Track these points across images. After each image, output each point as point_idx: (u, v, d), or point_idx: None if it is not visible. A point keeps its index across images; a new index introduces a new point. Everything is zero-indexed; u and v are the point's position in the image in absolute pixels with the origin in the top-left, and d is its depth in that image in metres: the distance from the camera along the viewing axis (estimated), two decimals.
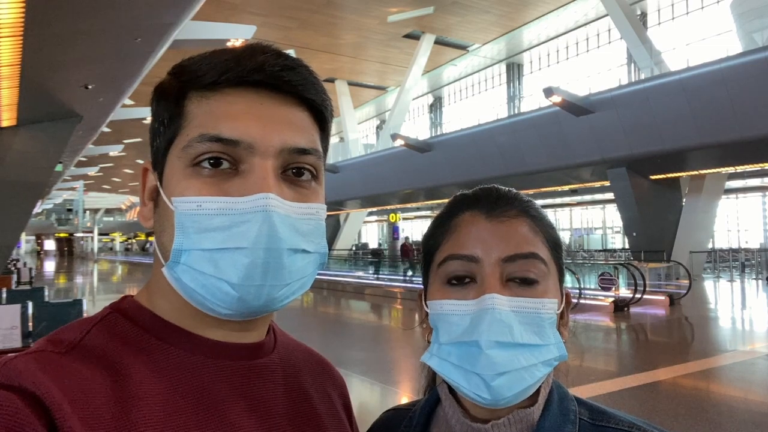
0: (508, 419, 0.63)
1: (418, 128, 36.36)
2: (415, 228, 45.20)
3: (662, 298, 12.22)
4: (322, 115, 0.62)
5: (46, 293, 7.95)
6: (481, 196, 0.69)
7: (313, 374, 0.71)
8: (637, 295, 11.68)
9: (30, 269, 19.15)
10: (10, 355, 0.50)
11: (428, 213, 38.09)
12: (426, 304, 0.68)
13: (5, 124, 11.01)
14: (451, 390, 0.68)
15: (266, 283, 0.54)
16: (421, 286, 0.74)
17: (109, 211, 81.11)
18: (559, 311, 0.66)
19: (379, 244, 27.10)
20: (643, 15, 24.32)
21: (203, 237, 0.54)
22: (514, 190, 0.71)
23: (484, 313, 0.61)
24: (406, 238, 24.39)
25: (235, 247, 0.53)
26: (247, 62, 0.56)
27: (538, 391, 0.65)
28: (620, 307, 11.37)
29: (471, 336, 0.61)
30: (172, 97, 0.58)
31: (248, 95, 0.57)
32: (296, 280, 0.57)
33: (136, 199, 66.12)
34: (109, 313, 0.59)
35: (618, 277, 12.35)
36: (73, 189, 55.27)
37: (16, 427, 0.43)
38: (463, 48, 27.67)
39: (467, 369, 0.62)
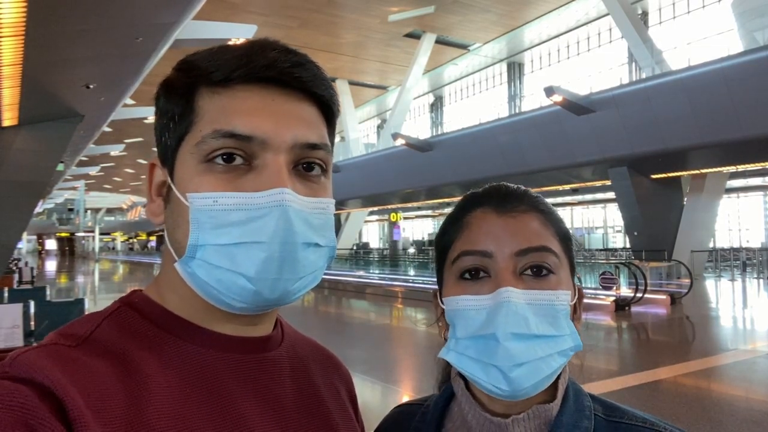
0: (527, 414, 0.64)
1: (418, 127, 36.35)
2: (415, 227, 45.22)
3: (663, 297, 12.22)
4: (330, 111, 0.63)
5: (48, 292, 7.96)
6: (491, 193, 0.70)
7: (321, 367, 0.72)
8: (638, 295, 11.67)
9: (31, 269, 19.15)
10: (22, 348, 0.51)
11: (429, 212, 38.10)
12: (442, 301, 0.69)
13: (7, 123, 11.02)
14: (467, 385, 0.69)
15: (282, 277, 0.55)
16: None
17: (110, 211, 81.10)
18: (573, 303, 0.67)
19: None
20: (644, 14, 24.30)
21: (220, 232, 0.55)
22: (523, 187, 0.72)
23: (500, 307, 0.62)
24: None
25: (252, 242, 0.54)
26: (258, 59, 0.57)
27: (556, 387, 0.67)
28: (621, 306, 11.37)
29: (488, 329, 0.62)
30: (181, 92, 0.59)
31: (259, 91, 0.57)
32: (309, 273, 0.58)
33: (137, 198, 66.10)
34: (119, 307, 0.59)
35: (619, 277, 12.34)
36: (74, 188, 55.28)
37: (29, 420, 0.43)
38: (463, 47, 27.65)
39: (485, 362, 0.63)
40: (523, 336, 0.61)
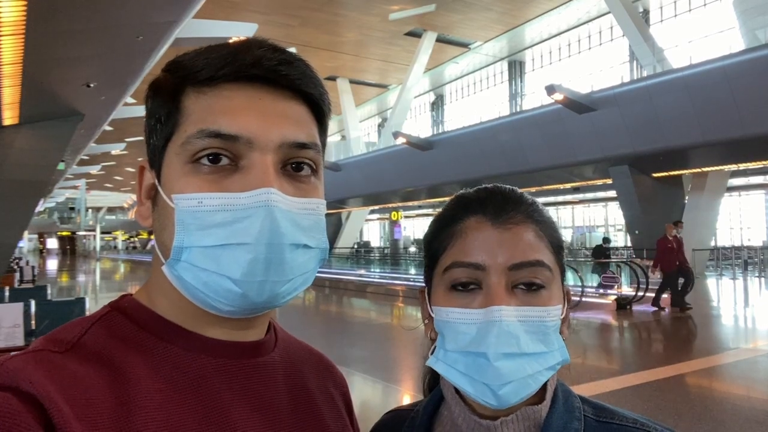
0: (516, 416, 0.64)
1: (419, 126, 36.33)
2: (416, 226, 45.25)
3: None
4: (320, 109, 0.62)
5: (49, 291, 7.95)
6: (486, 200, 0.68)
7: (315, 373, 0.70)
8: (640, 293, 11.66)
9: (33, 268, 19.15)
10: (7, 355, 0.50)
11: (430, 211, 38.11)
12: (431, 308, 0.68)
13: (7, 122, 11.02)
14: (457, 388, 0.68)
15: (269, 279, 0.54)
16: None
17: (111, 210, 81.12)
18: (563, 316, 0.67)
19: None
20: (646, 12, 24.26)
21: (205, 233, 0.54)
22: (518, 191, 0.70)
23: (492, 326, 0.61)
24: (677, 223, 11.60)
25: (237, 243, 0.53)
26: (244, 57, 0.56)
27: (544, 389, 0.66)
28: (623, 305, 11.35)
29: (478, 347, 0.61)
30: (168, 93, 0.58)
31: (246, 90, 0.56)
32: (298, 275, 0.57)
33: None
34: (108, 312, 0.58)
35: (620, 275, 12.33)
36: (75, 187, 55.32)
37: (12, 429, 0.43)
38: (464, 46, 27.62)
39: (474, 378, 0.62)
40: (513, 355, 0.61)
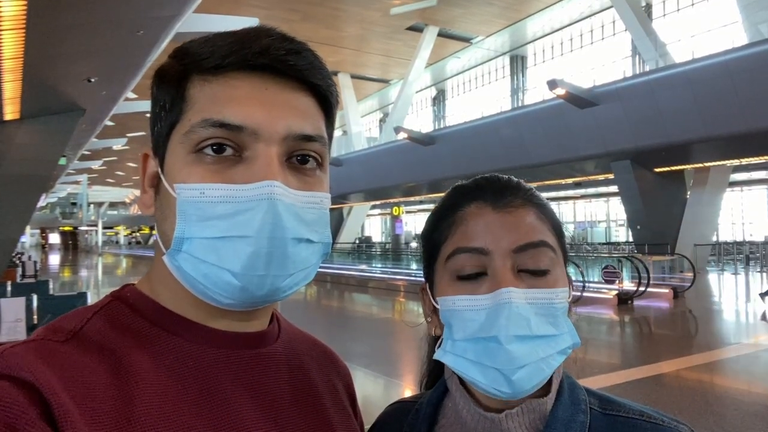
0: (521, 409, 0.63)
1: (421, 121, 36.27)
2: (418, 221, 45.24)
3: (666, 291, 12.20)
4: (327, 101, 0.61)
5: (51, 286, 7.97)
6: (485, 186, 0.68)
7: (318, 363, 0.70)
8: (641, 288, 11.66)
9: (35, 262, 19.15)
10: (8, 344, 0.50)
11: (431, 206, 38.08)
12: (435, 300, 0.67)
13: (8, 117, 11.02)
14: (461, 380, 0.68)
15: (269, 273, 0.53)
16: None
17: (113, 205, 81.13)
18: (570, 299, 0.66)
19: None
20: (648, 6, 24.14)
21: (206, 225, 0.53)
22: (515, 179, 0.70)
23: (501, 308, 0.60)
24: None
25: (238, 236, 0.52)
26: (251, 45, 0.55)
27: (550, 381, 0.65)
28: (624, 300, 11.35)
29: (489, 331, 0.60)
30: (173, 80, 0.57)
31: (252, 79, 0.55)
32: (300, 270, 0.56)
33: (139, 192, 65.98)
34: (110, 301, 0.58)
35: (622, 270, 12.33)
36: (77, 183, 55.36)
37: (11, 418, 0.42)
38: (466, 40, 27.54)
39: (486, 364, 0.61)
40: (524, 338, 0.60)
